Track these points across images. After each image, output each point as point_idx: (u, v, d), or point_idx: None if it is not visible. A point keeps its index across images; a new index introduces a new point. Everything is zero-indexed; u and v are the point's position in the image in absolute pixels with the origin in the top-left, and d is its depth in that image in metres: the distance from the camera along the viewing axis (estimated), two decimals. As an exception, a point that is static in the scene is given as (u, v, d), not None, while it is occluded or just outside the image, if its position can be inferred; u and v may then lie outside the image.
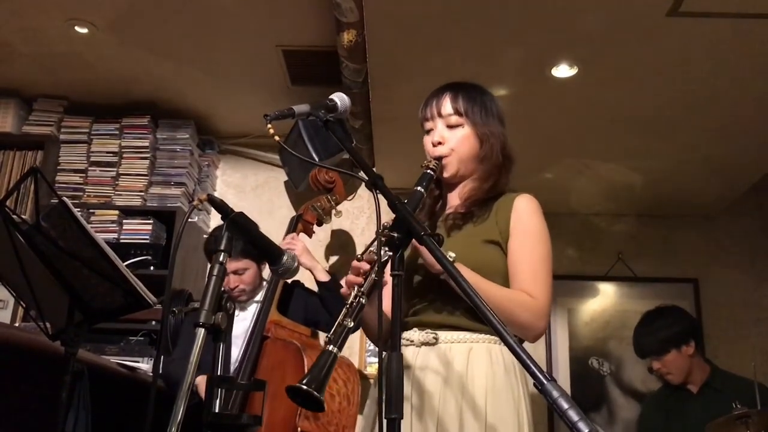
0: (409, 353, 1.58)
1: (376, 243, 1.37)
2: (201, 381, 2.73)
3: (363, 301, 1.41)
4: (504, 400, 1.51)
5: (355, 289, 1.42)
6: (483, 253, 1.62)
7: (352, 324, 1.38)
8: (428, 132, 1.74)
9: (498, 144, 1.74)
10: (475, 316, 1.55)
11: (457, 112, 1.72)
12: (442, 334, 1.58)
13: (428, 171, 1.64)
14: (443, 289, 1.54)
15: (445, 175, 1.72)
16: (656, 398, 3.27)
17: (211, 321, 1.21)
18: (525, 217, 1.69)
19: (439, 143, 1.70)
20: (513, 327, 1.53)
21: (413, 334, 1.61)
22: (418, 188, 1.59)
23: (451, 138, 1.71)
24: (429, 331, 1.58)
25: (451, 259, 1.41)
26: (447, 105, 1.73)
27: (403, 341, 1.60)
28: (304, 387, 1.25)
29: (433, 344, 1.57)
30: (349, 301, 1.41)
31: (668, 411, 3.06)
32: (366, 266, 1.45)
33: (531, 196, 1.74)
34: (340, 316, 1.39)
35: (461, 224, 1.68)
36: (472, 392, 1.50)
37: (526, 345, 1.53)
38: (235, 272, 3.00)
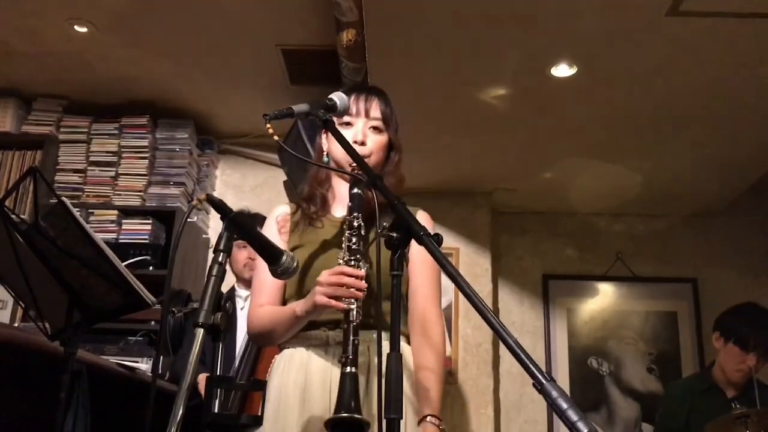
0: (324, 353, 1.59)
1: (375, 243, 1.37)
2: (203, 379, 2.73)
3: (360, 317, 1.43)
4: None
5: (354, 304, 1.43)
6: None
7: (358, 339, 1.40)
8: (346, 125, 1.69)
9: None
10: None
11: (384, 118, 1.72)
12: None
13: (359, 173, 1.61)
14: None
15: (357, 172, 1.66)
16: (683, 390, 3.11)
17: (210, 321, 1.21)
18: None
19: (363, 143, 1.67)
20: None
21: (322, 334, 1.60)
22: (356, 190, 1.58)
23: (372, 141, 1.69)
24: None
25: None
26: (376, 108, 1.72)
27: (314, 341, 1.61)
28: (345, 414, 1.27)
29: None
30: (353, 319, 1.41)
31: (693, 406, 2.96)
32: (362, 274, 1.45)
33: (424, 212, 1.76)
34: (350, 335, 1.39)
35: (365, 230, 1.63)
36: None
37: (524, 344, 1.52)
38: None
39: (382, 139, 1.71)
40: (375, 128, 1.70)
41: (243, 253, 3.05)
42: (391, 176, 1.71)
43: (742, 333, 2.88)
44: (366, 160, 1.63)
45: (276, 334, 1.62)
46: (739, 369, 2.87)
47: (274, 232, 1.74)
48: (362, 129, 1.68)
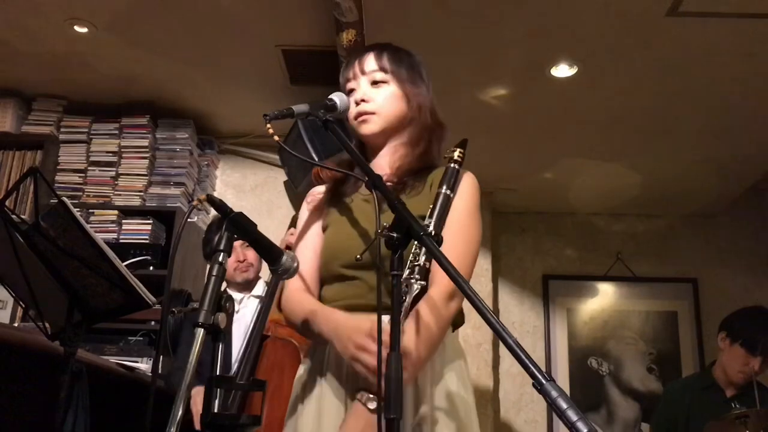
0: None
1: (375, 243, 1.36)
2: (198, 394, 2.64)
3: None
4: None
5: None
6: None
7: None
8: (350, 93, 1.61)
9: (427, 105, 1.65)
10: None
11: (382, 69, 1.61)
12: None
13: (454, 166, 1.54)
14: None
15: (365, 131, 1.59)
16: (683, 388, 3.12)
17: (210, 321, 1.21)
18: (463, 194, 1.60)
19: (363, 101, 1.57)
20: None
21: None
22: (445, 190, 1.54)
23: (376, 96, 1.58)
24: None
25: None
26: (371, 62, 1.61)
27: None
28: None
29: None
30: None
31: (692, 404, 2.97)
32: None
33: (471, 174, 1.64)
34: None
35: None
36: None
37: (524, 344, 1.51)
38: (242, 244, 2.99)
39: (386, 90, 1.60)
40: (375, 82, 1.60)
41: (231, 257, 3.03)
42: (415, 125, 1.62)
43: (751, 335, 2.88)
44: (375, 116, 1.57)
45: (305, 332, 1.56)
46: (742, 370, 2.87)
47: (305, 214, 1.72)
48: (363, 89, 1.59)
